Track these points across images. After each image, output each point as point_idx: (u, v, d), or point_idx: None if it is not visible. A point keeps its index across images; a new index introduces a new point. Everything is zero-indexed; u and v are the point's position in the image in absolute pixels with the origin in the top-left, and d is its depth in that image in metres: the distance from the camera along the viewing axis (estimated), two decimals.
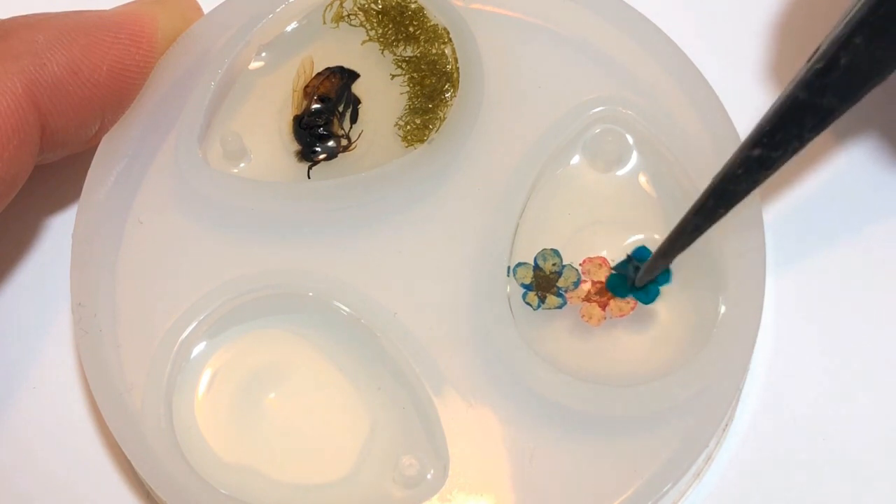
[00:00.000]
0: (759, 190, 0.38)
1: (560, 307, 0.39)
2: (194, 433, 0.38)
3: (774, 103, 0.34)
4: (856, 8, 0.32)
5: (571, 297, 0.39)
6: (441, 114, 0.41)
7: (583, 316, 0.39)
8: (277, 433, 0.38)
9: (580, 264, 0.39)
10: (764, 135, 0.34)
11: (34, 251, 0.43)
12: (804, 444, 0.40)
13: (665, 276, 0.39)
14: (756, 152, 0.34)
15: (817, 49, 0.34)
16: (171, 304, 0.39)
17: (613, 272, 0.39)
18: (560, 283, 0.39)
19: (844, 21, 0.32)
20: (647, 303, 0.38)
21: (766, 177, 0.35)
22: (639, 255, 0.39)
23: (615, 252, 0.39)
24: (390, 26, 0.42)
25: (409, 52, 0.42)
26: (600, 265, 0.39)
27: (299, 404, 0.39)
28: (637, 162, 0.41)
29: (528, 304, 0.39)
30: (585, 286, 0.39)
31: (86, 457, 0.40)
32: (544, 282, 0.39)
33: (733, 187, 0.35)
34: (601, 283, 0.39)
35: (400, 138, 0.41)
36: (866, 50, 0.32)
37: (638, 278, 0.38)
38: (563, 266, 0.39)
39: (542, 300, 0.39)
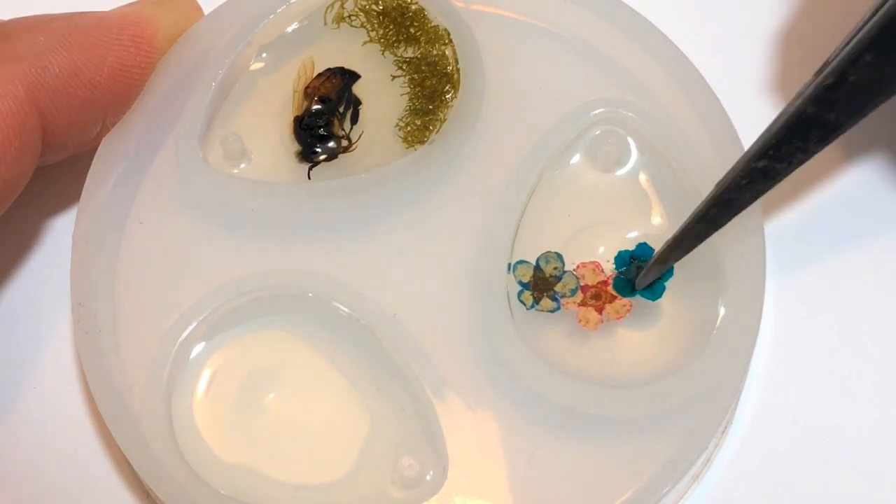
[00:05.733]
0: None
1: (553, 311, 0.39)
2: (193, 433, 0.38)
3: (780, 116, 0.34)
4: (867, 26, 0.32)
5: (566, 304, 0.39)
6: (441, 115, 0.41)
7: (580, 321, 0.38)
8: (277, 433, 0.38)
9: (574, 269, 0.39)
10: (770, 147, 0.34)
11: (35, 252, 0.43)
12: (804, 445, 0.40)
13: (668, 271, 0.38)
14: (761, 164, 0.34)
15: (825, 63, 0.34)
16: (171, 304, 0.39)
17: (618, 275, 0.39)
18: (558, 288, 0.39)
19: (854, 38, 0.32)
20: (653, 300, 0.38)
21: (770, 187, 0.35)
22: (640, 252, 0.39)
23: (614, 251, 0.39)
24: (391, 27, 0.42)
25: (409, 53, 0.42)
26: (594, 270, 0.39)
27: (299, 405, 0.39)
28: (637, 163, 0.41)
29: (521, 302, 0.39)
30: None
31: (85, 457, 0.40)
32: (542, 283, 0.39)
33: (737, 196, 0.35)
34: (596, 287, 0.39)
35: (400, 139, 0.41)
36: (875, 68, 0.32)
37: (637, 282, 0.38)
38: (564, 272, 0.39)
39: (536, 301, 0.39)
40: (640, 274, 0.38)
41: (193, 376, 0.39)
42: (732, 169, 0.35)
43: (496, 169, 0.40)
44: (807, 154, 0.34)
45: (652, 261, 0.38)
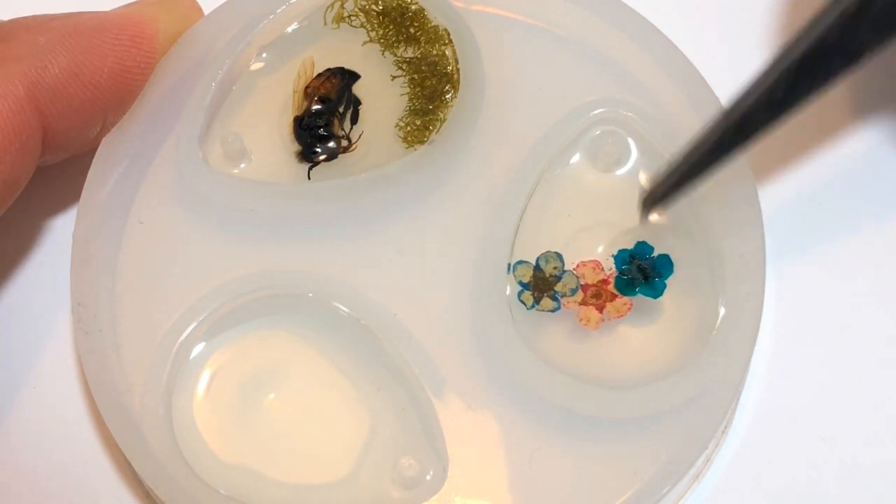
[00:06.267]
0: (759, 190, 0.38)
1: (553, 311, 0.39)
2: (194, 433, 0.38)
3: (797, 44, 0.33)
4: None
5: (567, 303, 0.39)
6: (441, 115, 0.41)
7: (581, 320, 0.38)
8: (277, 433, 0.38)
9: (574, 268, 0.39)
10: (788, 78, 0.33)
11: (35, 252, 0.43)
12: (804, 444, 0.40)
13: (668, 267, 0.38)
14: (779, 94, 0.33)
15: None
16: (171, 304, 0.39)
17: (619, 274, 0.39)
18: (558, 288, 0.39)
19: None
20: (655, 297, 0.38)
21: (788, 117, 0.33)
22: (640, 250, 0.39)
23: (614, 251, 0.39)
24: (391, 27, 0.42)
25: (409, 53, 0.42)
26: (594, 268, 0.39)
27: (299, 405, 0.39)
28: (637, 163, 0.41)
29: (521, 302, 0.39)
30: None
31: (85, 457, 0.40)
32: (542, 283, 0.39)
33: (756, 120, 0.34)
34: (596, 286, 0.39)
35: (400, 139, 0.41)
36: None
37: (646, 200, 0.37)
38: (564, 271, 0.39)
39: (536, 301, 0.39)
40: (651, 191, 0.37)
41: (193, 376, 0.39)
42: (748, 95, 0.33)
43: (496, 169, 0.40)
44: (827, 84, 0.32)
45: (670, 176, 0.36)
